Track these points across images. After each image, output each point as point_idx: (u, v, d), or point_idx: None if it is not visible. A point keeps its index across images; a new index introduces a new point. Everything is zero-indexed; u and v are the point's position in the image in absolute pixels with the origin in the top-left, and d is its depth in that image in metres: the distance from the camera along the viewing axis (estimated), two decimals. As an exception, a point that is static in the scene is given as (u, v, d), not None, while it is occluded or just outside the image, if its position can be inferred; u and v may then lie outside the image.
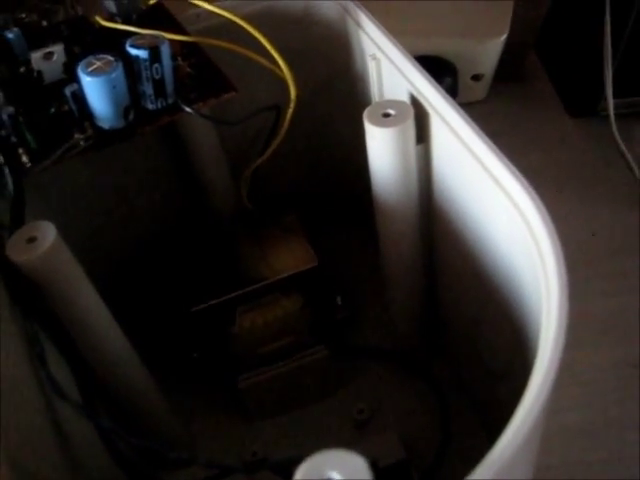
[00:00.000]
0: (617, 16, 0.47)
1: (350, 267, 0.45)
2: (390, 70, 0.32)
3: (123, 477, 0.32)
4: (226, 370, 0.39)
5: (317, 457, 0.19)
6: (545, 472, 0.36)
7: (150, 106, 0.31)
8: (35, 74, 0.31)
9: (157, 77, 0.30)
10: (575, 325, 0.43)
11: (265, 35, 0.32)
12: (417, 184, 0.32)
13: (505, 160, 0.25)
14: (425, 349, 0.41)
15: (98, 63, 0.29)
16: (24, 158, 0.29)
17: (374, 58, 0.32)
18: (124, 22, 0.34)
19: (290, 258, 0.38)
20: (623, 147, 0.49)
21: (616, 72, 0.49)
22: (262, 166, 0.37)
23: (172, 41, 0.31)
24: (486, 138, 0.26)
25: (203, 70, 0.32)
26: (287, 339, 0.38)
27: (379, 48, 0.32)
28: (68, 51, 0.32)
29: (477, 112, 0.58)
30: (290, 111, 0.33)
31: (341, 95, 0.39)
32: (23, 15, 0.37)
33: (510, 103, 0.57)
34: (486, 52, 0.53)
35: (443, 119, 0.28)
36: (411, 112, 0.29)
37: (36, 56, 0.31)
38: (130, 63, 0.30)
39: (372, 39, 0.33)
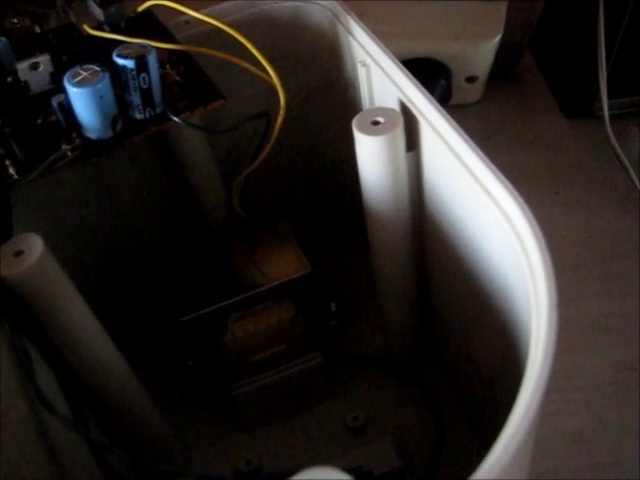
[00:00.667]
0: (611, 16, 0.47)
1: (343, 274, 0.45)
2: (380, 77, 0.31)
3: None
4: (219, 378, 0.39)
5: (303, 474, 0.19)
6: (543, 477, 0.36)
7: (138, 116, 0.30)
8: (22, 84, 0.31)
9: (144, 86, 0.30)
10: (572, 328, 0.43)
11: (254, 41, 0.31)
12: (408, 192, 0.32)
13: (494, 168, 0.25)
14: (418, 356, 0.40)
15: (84, 73, 0.28)
16: (11, 170, 0.29)
17: (364, 65, 0.32)
18: (112, 30, 0.33)
19: (282, 266, 0.38)
20: (618, 148, 0.49)
21: (610, 73, 0.49)
22: (253, 174, 0.36)
23: (160, 49, 0.31)
24: (475, 146, 0.26)
25: (192, 78, 0.32)
26: (280, 347, 0.38)
27: (369, 54, 0.32)
28: (56, 60, 0.31)
29: (472, 114, 0.58)
30: (280, 118, 0.33)
31: (332, 101, 0.39)
32: (15, 20, 0.37)
33: (505, 104, 0.57)
34: (480, 54, 0.52)
35: (432, 126, 0.28)
36: (400, 120, 0.29)
37: (22, 66, 0.30)
38: (117, 73, 0.29)
39: (362, 45, 0.33)
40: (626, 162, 0.49)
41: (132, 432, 0.35)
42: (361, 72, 0.33)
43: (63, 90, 0.29)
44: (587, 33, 0.48)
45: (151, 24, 0.35)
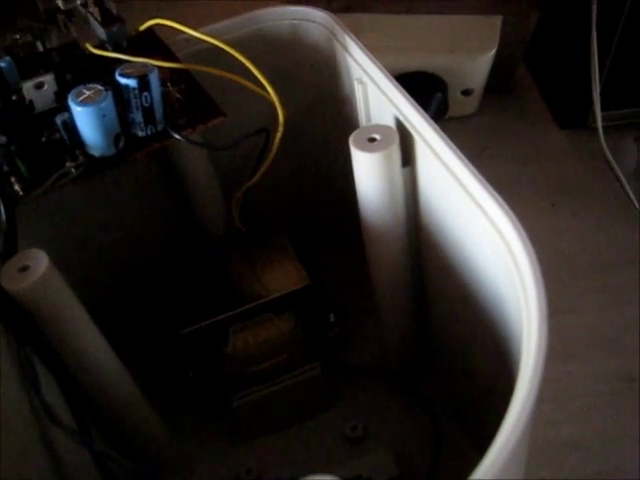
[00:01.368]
0: (604, 30, 0.48)
1: (341, 286, 0.45)
2: (376, 94, 0.32)
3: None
4: (220, 389, 0.39)
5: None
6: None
7: (140, 133, 0.31)
8: (27, 103, 0.32)
9: (146, 105, 0.30)
10: (568, 338, 0.43)
11: (253, 59, 0.32)
12: (404, 205, 0.32)
13: (485, 183, 0.26)
14: (415, 367, 0.41)
15: (88, 92, 0.29)
16: (16, 187, 0.29)
17: (360, 82, 0.33)
18: (114, 49, 0.34)
19: (282, 278, 0.39)
20: (611, 159, 0.50)
21: (604, 85, 0.50)
22: (253, 188, 0.37)
23: (161, 67, 0.31)
24: (468, 162, 0.27)
25: (192, 96, 0.33)
26: (280, 357, 0.39)
27: (365, 72, 0.33)
28: (59, 79, 0.32)
29: (468, 126, 0.59)
30: (279, 134, 0.34)
31: (329, 118, 0.40)
32: (17, 36, 0.38)
33: (500, 116, 0.58)
34: (476, 67, 0.53)
35: (427, 142, 0.29)
36: (396, 137, 0.29)
37: (27, 86, 0.31)
38: (120, 91, 0.30)
39: (358, 63, 0.33)
40: (620, 173, 0.50)
41: (133, 441, 0.36)
42: (358, 89, 0.33)
43: (67, 109, 0.30)
44: (580, 46, 0.49)
45: (152, 42, 0.35)
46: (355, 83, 0.33)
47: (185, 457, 0.39)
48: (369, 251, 0.35)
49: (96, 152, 0.30)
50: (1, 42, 0.36)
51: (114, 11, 0.34)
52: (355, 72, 0.34)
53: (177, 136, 0.31)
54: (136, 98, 0.30)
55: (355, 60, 0.34)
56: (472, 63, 0.53)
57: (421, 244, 0.34)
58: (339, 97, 0.37)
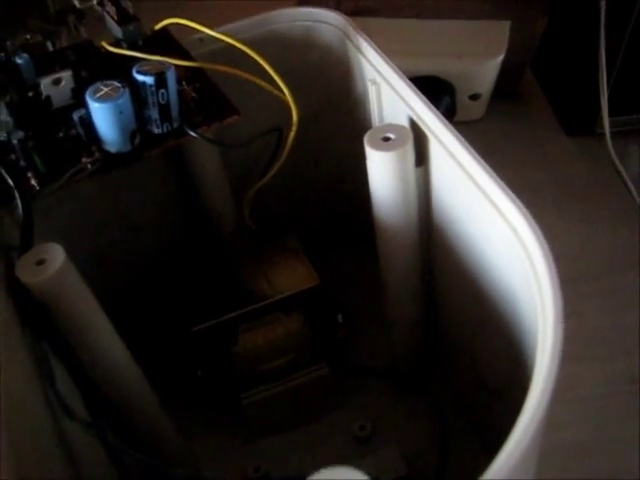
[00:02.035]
0: (612, 36, 0.48)
1: (349, 286, 0.46)
2: (390, 95, 0.32)
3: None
4: (229, 388, 0.39)
5: (321, 474, 0.19)
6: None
7: (156, 130, 0.31)
8: (43, 99, 0.32)
9: (163, 102, 0.31)
10: (574, 341, 0.43)
11: (266, 59, 0.32)
12: (417, 206, 0.33)
13: (502, 183, 0.26)
14: (424, 368, 0.41)
15: (105, 89, 0.29)
16: (33, 181, 0.30)
17: (374, 83, 0.33)
18: (130, 47, 0.34)
19: (291, 277, 0.39)
20: (619, 164, 0.50)
21: (612, 91, 0.50)
22: (264, 187, 0.37)
23: (176, 66, 0.31)
24: (483, 162, 0.27)
25: (207, 94, 0.33)
26: (289, 357, 0.39)
27: (379, 73, 0.33)
28: (75, 76, 0.32)
29: (475, 130, 0.59)
30: (292, 134, 0.34)
31: (341, 118, 0.40)
32: (28, 36, 0.38)
33: (507, 121, 0.58)
34: (484, 72, 0.54)
35: (441, 142, 0.29)
36: (410, 136, 0.30)
37: (46, 82, 0.31)
38: (136, 88, 0.30)
39: (372, 64, 0.34)
40: (627, 178, 0.50)
41: (141, 438, 0.36)
42: (371, 90, 0.34)
43: (84, 105, 0.30)
44: (588, 52, 0.50)
45: (167, 42, 0.36)
46: (368, 84, 0.34)
47: (193, 454, 0.39)
48: (381, 250, 0.35)
49: (112, 148, 0.30)
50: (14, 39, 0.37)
51: (130, 10, 0.35)
52: (368, 73, 0.34)
53: (193, 133, 0.31)
54: (153, 95, 0.30)
55: (369, 61, 0.34)
56: (480, 68, 0.53)
57: (433, 244, 0.35)
58: (351, 98, 0.38)
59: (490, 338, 0.31)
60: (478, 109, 0.57)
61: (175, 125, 0.31)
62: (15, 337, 0.26)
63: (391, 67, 0.32)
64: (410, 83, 0.31)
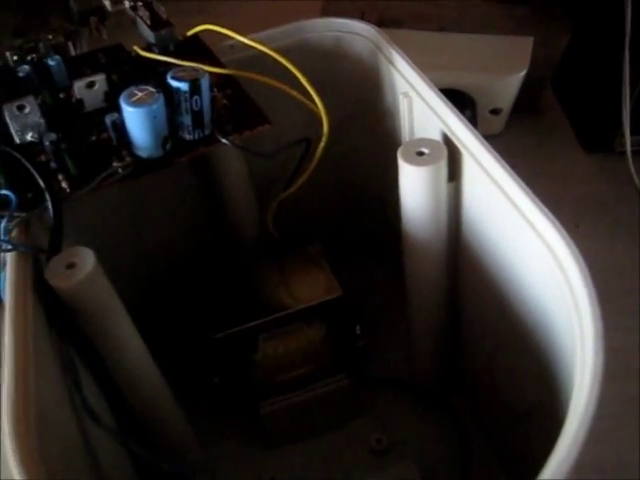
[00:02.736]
0: (636, 53, 0.48)
1: (369, 298, 0.45)
2: (422, 108, 0.32)
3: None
4: (247, 396, 0.39)
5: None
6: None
7: (187, 137, 0.31)
8: (75, 101, 0.32)
9: (196, 109, 0.30)
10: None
11: (299, 68, 0.32)
12: (447, 221, 0.32)
13: (539, 202, 0.26)
14: (444, 382, 0.41)
15: (140, 94, 0.29)
16: (64, 184, 0.29)
17: (406, 96, 0.33)
18: (161, 52, 0.34)
19: (314, 287, 0.39)
20: (638, 182, 0.50)
21: (633, 109, 0.50)
22: (288, 196, 0.37)
23: (210, 72, 0.31)
24: (519, 179, 0.27)
25: (238, 102, 0.33)
26: (309, 367, 0.39)
27: (411, 86, 0.33)
28: (107, 80, 0.32)
29: (495, 145, 0.59)
30: (322, 145, 0.34)
31: (369, 130, 0.40)
32: (50, 36, 0.38)
33: (527, 137, 0.58)
34: (505, 87, 0.54)
35: (475, 159, 0.29)
36: (445, 152, 0.30)
37: (79, 85, 0.31)
38: (170, 94, 0.30)
39: (404, 76, 0.34)
40: (647, 198, 0.50)
41: (161, 444, 0.35)
42: (402, 103, 0.33)
43: (117, 109, 0.30)
44: (611, 69, 0.50)
45: (198, 48, 0.36)
46: (400, 97, 0.34)
47: (209, 462, 0.39)
48: (407, 264, 0.35)
49: (143, 153, 0.30)
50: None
51: (164, 16, 0.35)
52: (401, 86, 0.34)
53: (225, 141, 0.31)
54: (186, 101, 0.30)
55: (401, 74, 0.34)
56: (502, 83, 0.53)
57: (460, 259, 0.34)
58: (380, 110, 0.38)
59: (517, 356, 0.31)
60: (498, 123, 0.57)
61: (207, 132, 0.31)
62: (45, 342, 0.26)
63: (424, 80, 0.32)
64: (444, 97, 0.31)
